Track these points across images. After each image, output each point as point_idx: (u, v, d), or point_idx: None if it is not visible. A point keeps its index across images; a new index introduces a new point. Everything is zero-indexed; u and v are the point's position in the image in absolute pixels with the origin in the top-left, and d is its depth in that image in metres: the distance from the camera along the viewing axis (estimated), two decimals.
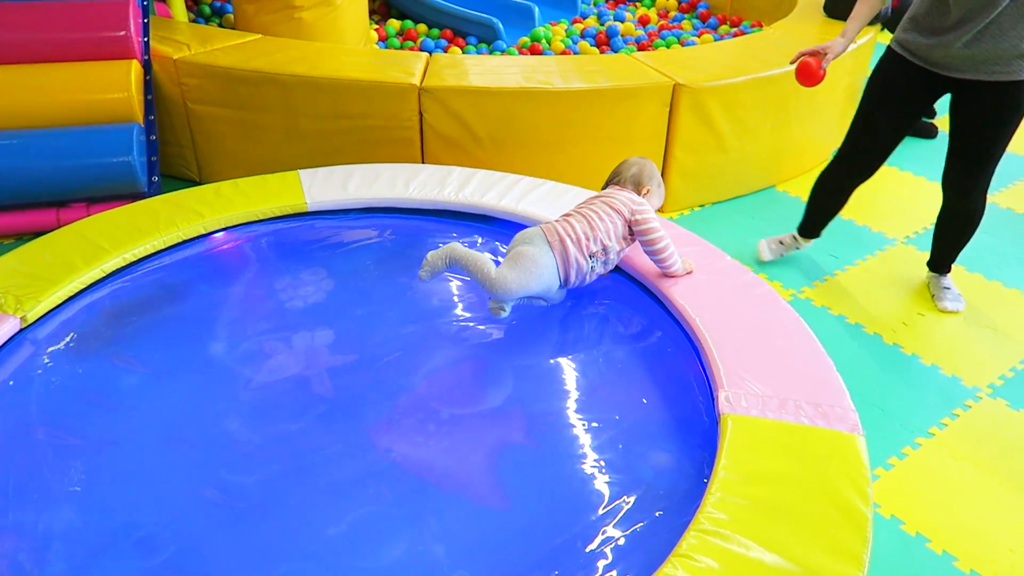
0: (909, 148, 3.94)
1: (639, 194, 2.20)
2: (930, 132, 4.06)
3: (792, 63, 2.48)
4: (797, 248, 2.92)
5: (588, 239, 2.04)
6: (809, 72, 2.39)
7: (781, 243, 2.91)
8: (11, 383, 1.93)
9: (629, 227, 2.11)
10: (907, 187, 3.56)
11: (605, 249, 2.08)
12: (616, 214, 2.10)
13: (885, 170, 3.69)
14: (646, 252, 2.15)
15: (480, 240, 2.54)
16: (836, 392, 1.80)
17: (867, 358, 2.46)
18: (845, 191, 2.74)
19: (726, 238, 3.01)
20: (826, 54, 2.40)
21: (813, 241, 2.92)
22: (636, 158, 2.29)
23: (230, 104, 3.12)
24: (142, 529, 1.60)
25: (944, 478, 2.04)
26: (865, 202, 3.40)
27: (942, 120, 4.24)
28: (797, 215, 3.27)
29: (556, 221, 2.10)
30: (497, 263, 2.01)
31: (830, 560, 1.43)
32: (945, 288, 2.74)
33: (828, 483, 1.58)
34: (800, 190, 3.47)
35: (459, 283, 2.32)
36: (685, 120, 3.09)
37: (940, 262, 2.75)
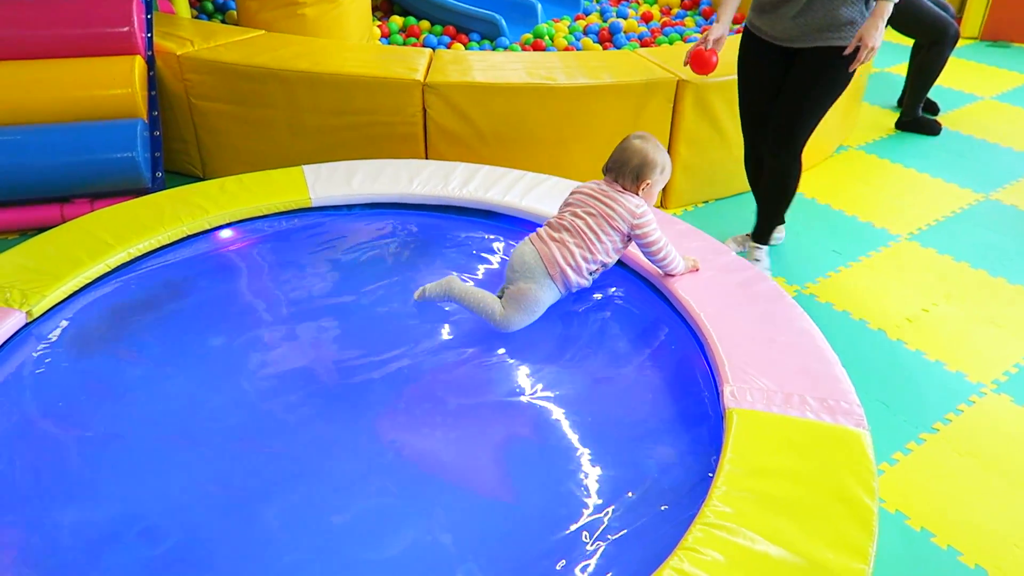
0: (912, 144, 3.94)
1: (639, 188, 2.10)
2: (933, 128, 4.05)
3: (685, 63, 2.58)
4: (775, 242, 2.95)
5: (587, 262, 2.06)
6: (702, 60, 2.46)
7: (748, 237, 2.92)
8: (17, 377, 1.93)
9: (628, 236, 2.10)
10: (911, 184, 3.56)
11: (604, 264, 2.12)
12: (615, 232, 2.07)
13: (888, 166, 3.70)
14: (645, 256, 2.15)
15: (485, 236, 2.54)
16: (841, 387, 1.80)
17: (871, 354, 2.46)
18: (758, 164, 2.80)
19: (730, 234, 3.01)
20: (710, 40, 2.52)
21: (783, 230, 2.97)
22: (639, 142, 2.10)
23: (234, 100, 3.12)
24: (147, 520, 1.60)
25: (948, 473, 2.04)
26: (868, 199, 3.40)
27: (945, 117, 4.24)
28: (800, 211, 3.28)
29: (554, 242, 2.06)
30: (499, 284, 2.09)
31: (835, 554, 1.43)
32: (756, 260, 2.82)
33: (833, 478, 1.58)
34: (803, 187, 3.47)
35: (465, 277, 2.32)
36: (689, 116, 3.09)
37: (759, 229, 2.82)
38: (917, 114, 4.09)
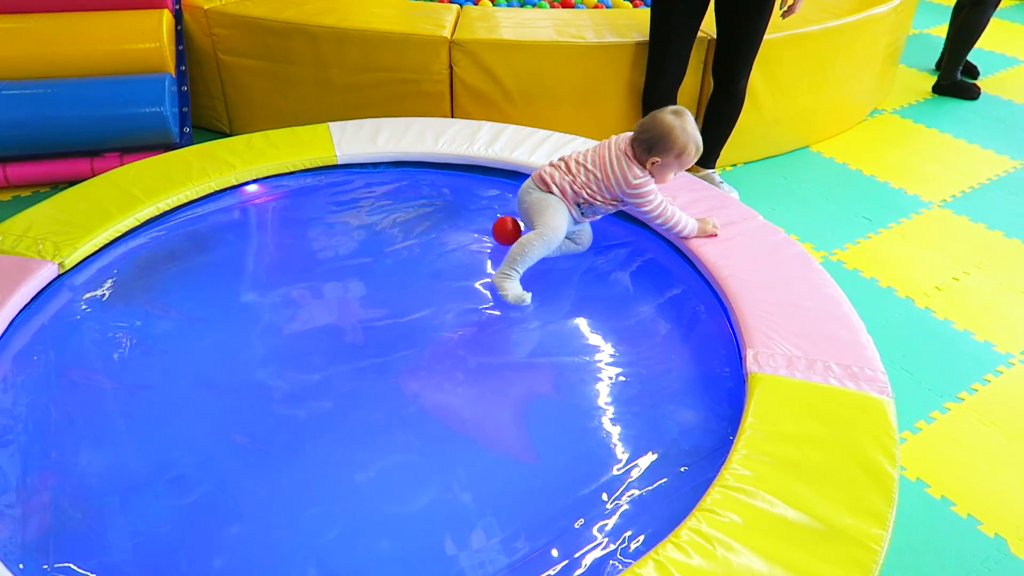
0: (949, 109, 3.85)
1: (648, 161, 2.01)
2: (971, 93, 3.95)
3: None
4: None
5: (576, 195, 2.08)
6: (504, 232, 2.21)
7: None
8: (50, 326, 1.98)
9: (620, 199, 2.10)
10: (946, 149, 3.48)
11: (595, 211, 2.15)
12: (607, 191, 2.07)
13: (924, 131, 3.61)
14: (647, 222, 2.17)
15: (511, 196, 2.53)
16: (866, 354, 1.79)
17: (898, 322, 2.43)
18: (671, 100, 2.84)
19: (758, 198, 2.98)
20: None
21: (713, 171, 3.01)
22: (670, 117, 1.99)
23: (261, 55, 3.11)
24: (175, 469, 1.64)
25: (972, 443, 2.03)
26: (901, 164, 3.33)
27: (985, 81, 4.13)
28: (830, 175, 3.23)
29: (550, 166, 2.12)
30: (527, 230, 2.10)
31: (855, 519, 1.43)
32: (719, 182, 2.93)
33: (855, 444, 1.58)
34: (834, 151, 3.41)
35: (488, 238, 2.32)
36: None
37: (707, 155, 2.87)
38: (956, 77, 3.98)
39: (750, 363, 1.75)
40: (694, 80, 3.03)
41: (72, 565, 1.45)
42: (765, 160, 3.33)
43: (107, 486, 1.60)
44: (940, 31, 4.67)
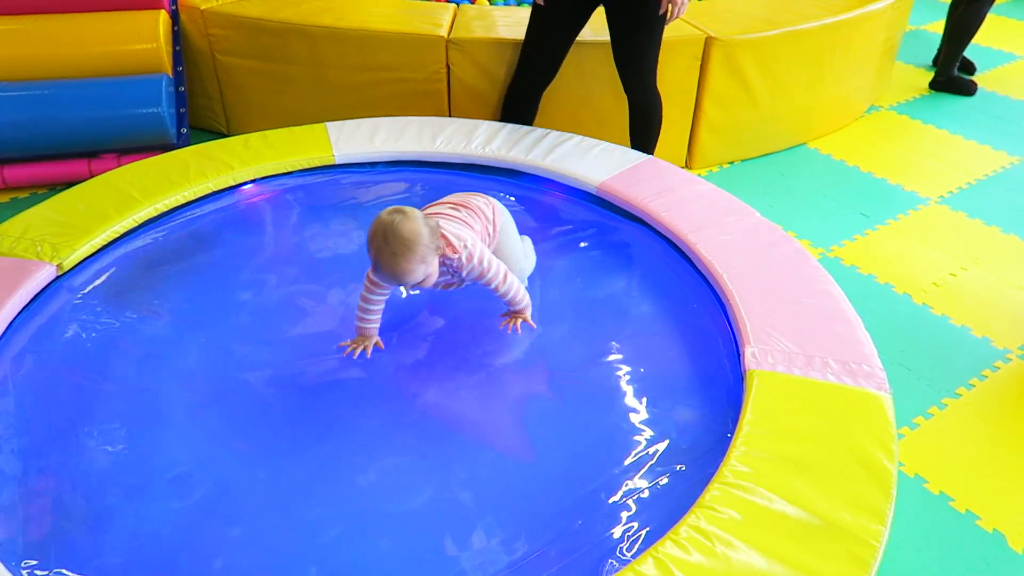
0: (946, 105, 3.85)
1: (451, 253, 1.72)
2: (968, 89, 3.95)
3: None
4: None
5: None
6: None
7: None
8: (49, 328, 1.98)
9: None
10: (943, 145, 3.48)
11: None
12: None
13: (921, 127, 3.62)
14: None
15: (508, 195, 2.53)
16: (863, 351, 1.80)
17: (896, 318, 2.44)
18: (533, 100, 2.81)
19: (755, 195, 2.98)
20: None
21: None
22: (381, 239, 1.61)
23: (258, 55, 3.11)
24: (176, 471, 1.64)
25: (970, 439, 2.03)
26: (898, 161, 3.33)
27: (981, 77, 4.13)
28: (827, 172, 3.23)
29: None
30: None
31: (853, 515, 1.44)
32: None
33: (853, 440, 1.58)
34: (832, 148, 3.42)
35: None
36: (716, 74, 3.03)
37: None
38: (952, 73, 3.98)
39: (748, 360, 1.76)
40: (691, 76, 3.03)
41: (73, 567, 1.45)
42: (762, 157, 3.33)
43: (108, 488, 1.61)
44: (937, 27, 4.67)
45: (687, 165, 3.23)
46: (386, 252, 1.60)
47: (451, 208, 1.87)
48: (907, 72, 4.20)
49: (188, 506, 1.58)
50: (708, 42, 2.96)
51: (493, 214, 1.94)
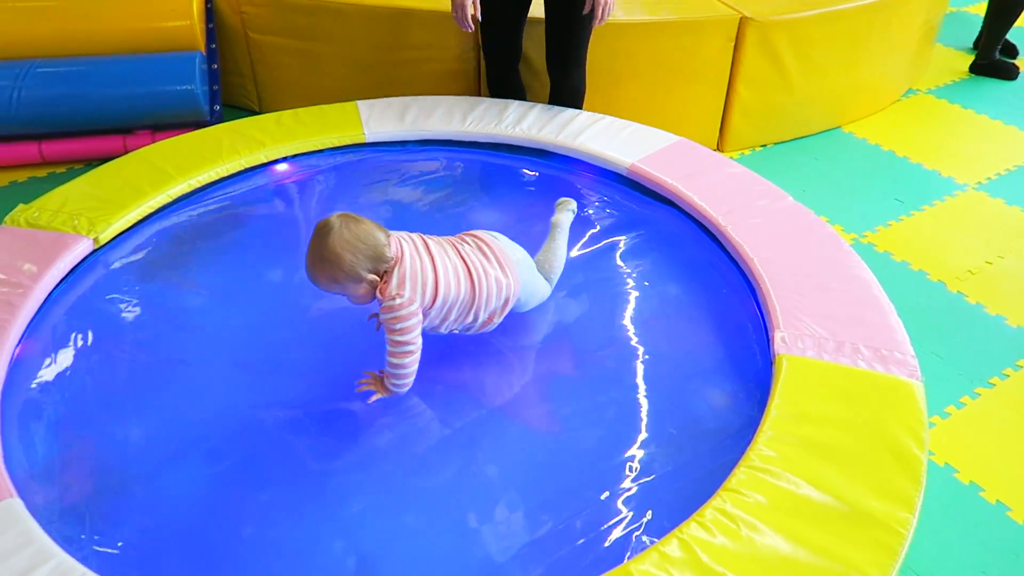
0: (986, 89, 3.76)
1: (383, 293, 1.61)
2: (1010, 73, 3.85)
3: None
4: None
5: None
6: None
7: None
8: (85, 300, 2.02)
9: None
10: (982, 130, 3.40)
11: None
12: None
13: (959, 112, 3.54)
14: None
15: (538, 175, 2.53)
16: (896, 337, 1.77)
17: (929, 305, 2.40)
18: (512, 79, 2.78)
19: (788, 179, 2.94)
20: None
21: None
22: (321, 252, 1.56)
23: (290, 34, 3.12)
24: (207, 440, 1.68)
25: (1002, 429, 2.00)
26: (935, 146, 3.27)
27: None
28: (861, 157, 3.18)
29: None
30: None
31: (880, 502, 1.43)
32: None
33: (883, 427, 1.57)
34: (867, 132, 3.35)
35: (516, 217, 2.32)
36: (750, 56, 2.99)
37: None
38: (994, 57, 3.88)
39: (778, 344, 1.74)
40: (724, 57, 2.99)
41: (107, 530, 1.49)
42: (796, 140, 3.28)
43: (141, 455, 1.65)
44: (979, 9, 4.55)
45: (719, 148, 3.20)
46: (309, 251, 1.58)
47: (456, 262, 1.70)
48: (947, 55, 4.10)
49: (218, 473, 1.62)
50: (743, 23, 2.92)
51: (508, 296, 1.76)
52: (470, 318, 1.74)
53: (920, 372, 1.69)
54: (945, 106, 3.61)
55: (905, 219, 2.81)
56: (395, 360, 1.63)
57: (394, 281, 1.60)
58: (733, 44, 2.97)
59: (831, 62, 3.14)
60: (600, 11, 2.36)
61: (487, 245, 1.78)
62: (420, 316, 1.64)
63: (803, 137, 3.30)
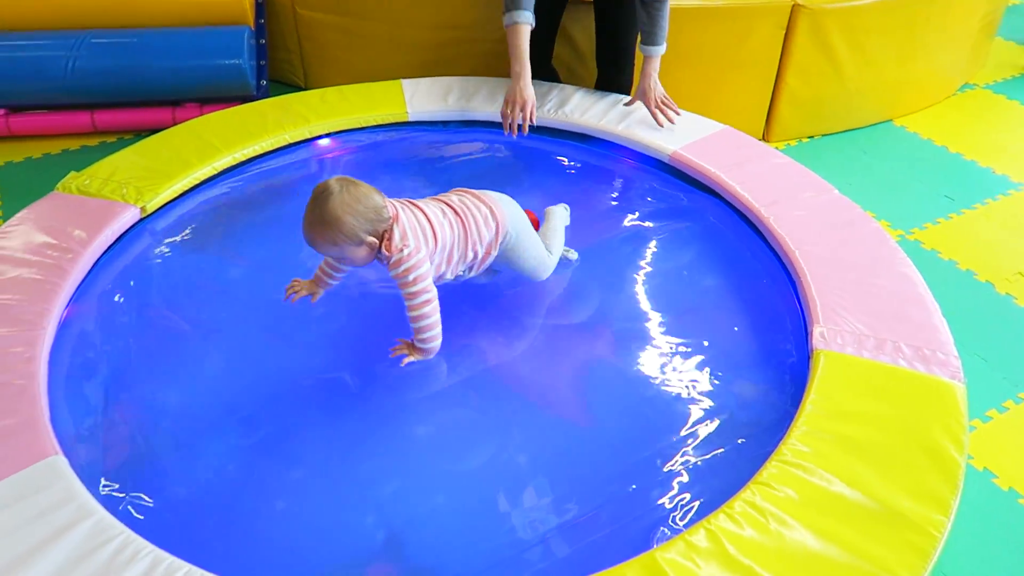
0: None
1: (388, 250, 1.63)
2: None
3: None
4: None
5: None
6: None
7: None
8: (131, 267, 2.07)
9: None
10: None
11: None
12: None
13: (1017, 108, 3.43)
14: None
15: (578, 160, 2.51)
16: (939, 337, 1.74)
17: (975, 306, 2.34)
18: (548, 67, 2.78)
19: (835, 171, 2.88)
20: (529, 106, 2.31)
21: None
22: (314, 220, 1.59)
23: (337, 11, 3.13)
24: (243, 411, 1.72)
25: None
26: (990, 142, 3.17)
27: None
28: (912, 152, 3.10)
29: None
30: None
31: (915, 503, 1.40)
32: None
33: (921, 428, 1.54)
34: (919, 126, 3.27)
35: (555, 201, 2.31)
36: (801, 44, 2.92)
37: None
38: None
39: (816, 339, 1.72)
40: (774, 45, 2.93)
41: (145, 495, 1.53)
42: (844, 133, 3.21)
43: (180, 422, 1.69)
44: None
45: (764, 137, 3.15)
46: (308, 214, 1.60)
47: (441, 206, 1.76)
48: (1006, 49, 3.97)
49: (252, 444, 1.65)
50: (795, 10, 2.86)
51: (497, 222, 1.80)
52: (470, 254, 1.78)
53: (963, 374, 1.65)
54: (1003, 102, 3.50)
55: (955, 217, 2.74)
56: (416, 314, 1.65)
57: (396, 236, 1.63)
58: (784, 31, 2.91)
59: (885, 53, 3.06)
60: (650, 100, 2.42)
61: (465, 191, 1.85)
62: (429, 264, 1.67)
63: (852, 129, 3.23)
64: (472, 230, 1.76)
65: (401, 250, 1.62)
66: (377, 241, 1.62)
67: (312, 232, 1.60)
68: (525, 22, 2.27)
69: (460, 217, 1.76)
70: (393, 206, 1.67)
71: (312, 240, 1.61)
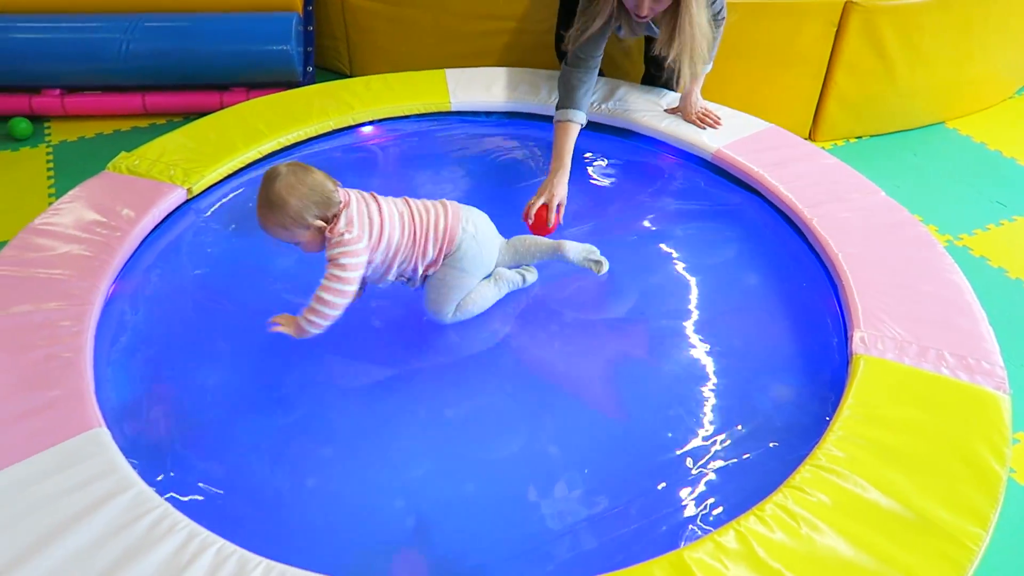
0: None
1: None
2: None
3: (526, 219, 2.10)
4: None
5: None
6: (541, 224, 2.06)
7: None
8: (176, 247, 2.12)
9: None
10: None
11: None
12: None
13: None
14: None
15: (621, 156, 2.50)
16: (984, 346, 1.69)
17: None
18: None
19: (882, 173, 2.82)
20: (556, 202, 2.09)
21: None
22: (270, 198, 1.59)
23: None
24: (279, 391, 1.75)
25: None
26: None
27: None
28: (964, 156, 3.02)
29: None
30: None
31: (952, 515, 1.38)
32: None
33: (962, 438, 1.51)
34: (973, 129, 3.18)
35: (594, 198, 2.31)
36: (852, 42, 2.86)
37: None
38: None
39: (856, 344, 1.69)
40: (824, 42, 2.88)
41: (183, 470, 1.57)
42: (895, 134, 3.14)
43: (218, 399, 1.73)
44: None
45: (811, 137, 3.09)
46: (258, 196, 1.62)
47: (403, 208, 1.75)
48: None
49: (287, 424, 1.68)
50: (847, 7, 2.80)
51: (443, 243, 1.77)
52: (411, 266, 1.76)
53: (1008, 385, 1.61)
54: None
55: (1006, 224, 2.66)
56: (325, 296, 1.63)
57: (342, 221, 1.64)
58: (835, 29, 2.85)
59: (940, 53, 2.98)
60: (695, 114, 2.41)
61: (444, 203, 1.81)
62: (366, 257, 1.67)
63: (903, 131, 3.15)
64: (420, 242, 1.75)
65: (342, 234, 1.63)
66: (326, 225, 1.64)
67: (261, 214, 1.63)
68: (577, 122, 2.21)
69: (414, 220, 1.75)
70: (347, 193, 1.68)
71: (263, 223, 1.64)
